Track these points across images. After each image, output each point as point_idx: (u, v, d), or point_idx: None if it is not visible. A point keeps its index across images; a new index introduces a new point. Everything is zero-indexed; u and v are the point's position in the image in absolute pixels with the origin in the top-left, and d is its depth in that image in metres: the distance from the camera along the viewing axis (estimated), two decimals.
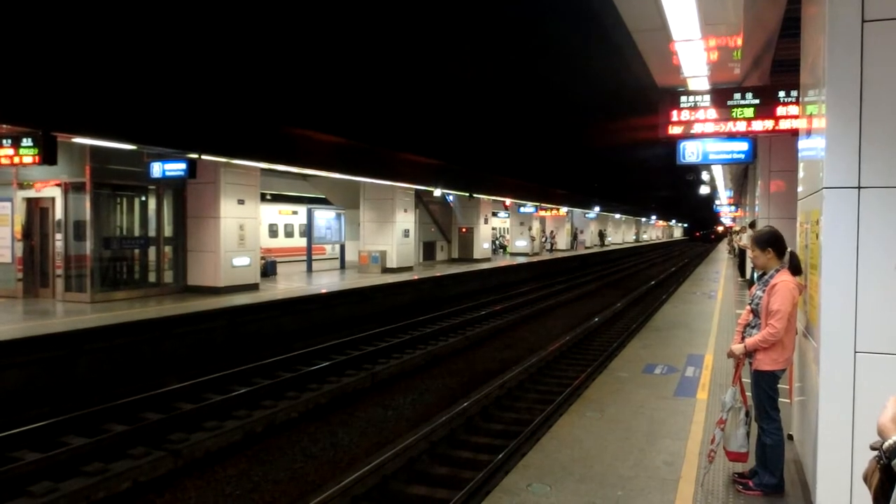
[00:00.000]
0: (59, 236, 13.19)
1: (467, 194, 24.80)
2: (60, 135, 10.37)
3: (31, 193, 13.54)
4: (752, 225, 8.06)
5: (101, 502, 5.91)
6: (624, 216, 63.26)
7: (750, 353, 4.34)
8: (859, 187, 3.67)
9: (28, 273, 13.65)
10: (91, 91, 9.98)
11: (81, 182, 12.77)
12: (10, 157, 10.64)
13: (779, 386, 4.38)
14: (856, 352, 3.70)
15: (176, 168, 13.04)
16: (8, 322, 10.36)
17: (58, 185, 13.06)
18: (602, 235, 52.75)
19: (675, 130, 8.19)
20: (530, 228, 35.46)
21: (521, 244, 34.37)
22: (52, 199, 13.34)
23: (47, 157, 10.21)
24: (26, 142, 10.44)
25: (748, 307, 4.58)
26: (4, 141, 10.67)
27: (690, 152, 8.52)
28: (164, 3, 8.82)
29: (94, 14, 8.54)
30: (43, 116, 9.77)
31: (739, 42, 7.08)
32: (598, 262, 40.06)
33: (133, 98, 10.68)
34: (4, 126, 10.34)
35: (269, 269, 18.16)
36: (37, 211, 13.69)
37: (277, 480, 6.49)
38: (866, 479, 1.46)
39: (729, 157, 8.56)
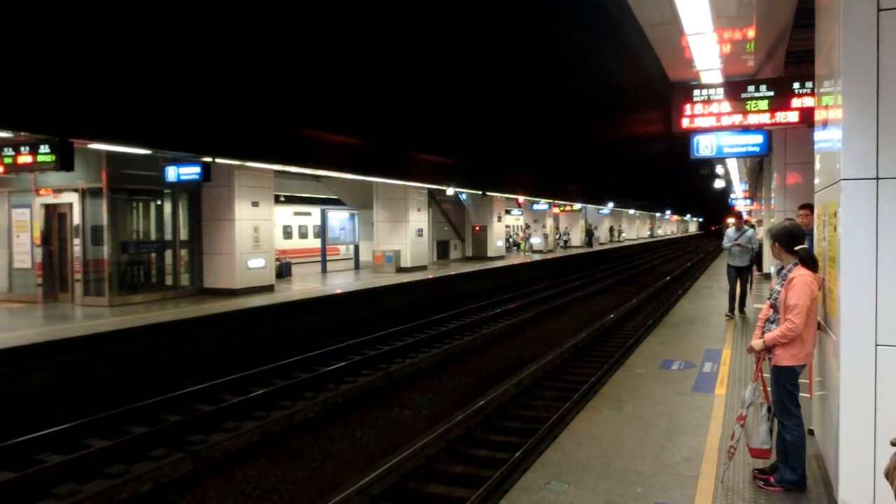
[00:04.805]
0: (77, 241, 13.34)
1: (480, 192, 24.78)
2: (77, 141, 10.48)
3: (50, 199, 13.70)
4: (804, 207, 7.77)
5: (123, 503, 5.98)
6: (638, 212, 62.92)
7: (769, 349, 4.30)
8: (877, 178, 3.63)
9: (47, 278, 13.82)
10: (106, 97, 10.07)
11: (98, 187, 12.91)
12: (29, 164, 10.82)
13: (799, 381, 4.34)
14: (877, 345, 3.66)
15: (190, 172, 13.17)
16: (29, 327, 10.50)
17: (75, 190, 13.22)
18: (615, 231, 52.50)
19: (688, 124, 8.14)
20: (544, 226, 35.39)
21: (534, 241, 34.32)
22: (70, 205, 13.50)
23: (64, 163, 10.33)
24: (44, 149, 10.58)
25: (768, 302, 4.54)
26: (22, 148, 10.83)
27: (704, 146, 8.48)
28: (176, 9, 8.88)
29: (108, 21, 8.62)
30: (59, 123, 9.88)
31: (752, 34, 7.03)
32: (613, 258, 39.90)
33: (147, 103, 10.77)
34: (22, 133, 10.48)
35: (283, 271, 18.26)
36: (55, 216, 13.86)
37: (296, 481, 6.52)
38: (888, 475, 1.44)
39: (743, 150, 8.50)
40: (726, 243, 11.32)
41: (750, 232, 11.28)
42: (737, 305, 11.59)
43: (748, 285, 11.83)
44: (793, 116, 7.62)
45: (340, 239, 22.66)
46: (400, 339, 12.92)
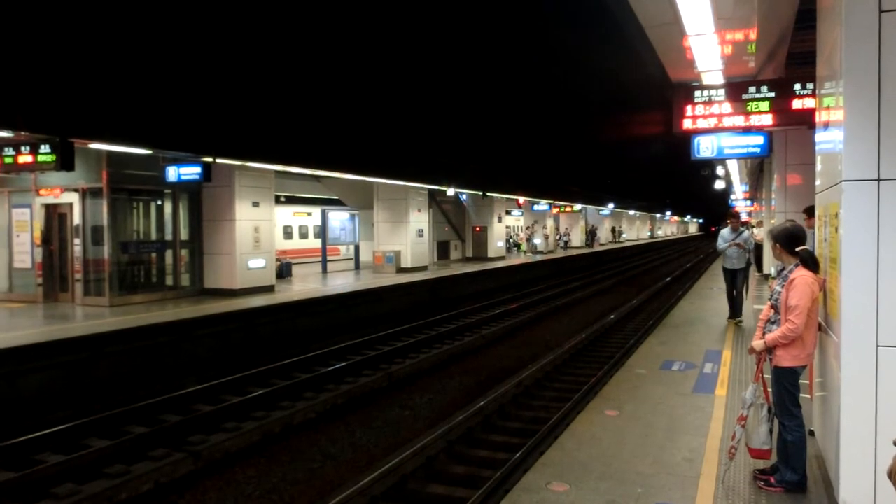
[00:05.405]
0: (77, 241, 13.34)
1: (481, 193, 24.77)
2: (77, 141, 10.49)
3: (50, 199, 13.70)
4: (807, 210, 7.59)
5: (123, 503, 5.98)
6: (638, 213, 62.93)
7: (770, 349, 4.30)
8: (879, 179, 3.64)
9: (48, 278, 13.82)
10: (107, 97, 10.08)
11: (99, 187, 12.91)
12: (30, 164, 10.82)
13: (799, 382, 4.34)
14: (878, 346, 3.66)
15: (191, 172, 13.17)
16: (29, 327, 10.50)
17: (75, 190, 13.21)
18: (616, 232, 52.54)
19: (689, 125, 8.14)
20: (544, 227, 35.37)
21: (536, 241, 34.33)
22: (70, 205, 13.49)
23: (65, 163, 10.33)
24: (44, 148, 10.58)
25: (769, 302, 4.55)
26: (23, 148, 10.83)
27: (705, 147, 8.48)
28: (178, 11, 8.90)
29: (110, 22, 8.63)
30: (60, 123, 9.88)
31: (754, 35, 7.03)
32: (613, 259, 39.90)
33: (148, 103, 10.78)
34: (23, 133, 10.48)
35: (284, 271, 18.26)
36: (55, 217, 13.86)
37: (296, 481, 6.52)
38: (890, 475, 1.44)
39: (744, 151, 8.51)
40: (721, 245, 10.67)
41: (746, 233, 10.79)
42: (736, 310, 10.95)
43: (745, 290, 11.12)
44: (794, 118, 7.62)
45: (341, 239, 22.65)
46: (400, 339, 12.92)
